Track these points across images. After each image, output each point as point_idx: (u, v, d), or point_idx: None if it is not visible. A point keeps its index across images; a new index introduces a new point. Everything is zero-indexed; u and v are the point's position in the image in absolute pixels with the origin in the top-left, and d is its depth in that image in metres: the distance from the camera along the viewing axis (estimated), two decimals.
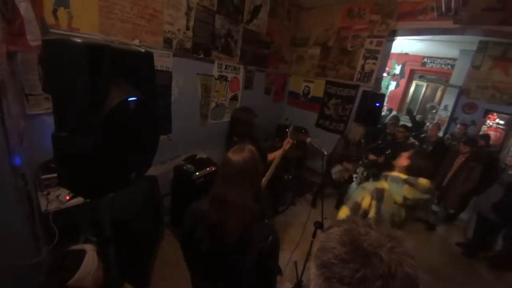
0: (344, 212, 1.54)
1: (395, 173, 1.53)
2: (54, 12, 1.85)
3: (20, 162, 1.44)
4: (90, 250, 1.15)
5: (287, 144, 2.11)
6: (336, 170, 3.47)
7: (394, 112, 7.50)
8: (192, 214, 1.10)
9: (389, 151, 3.49)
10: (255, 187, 1.01)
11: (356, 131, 3.50)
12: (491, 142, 4.60)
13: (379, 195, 1.47)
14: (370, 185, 1.56)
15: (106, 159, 0.94)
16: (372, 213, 1.45)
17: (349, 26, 3.93)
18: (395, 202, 1.47)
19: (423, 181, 1.43)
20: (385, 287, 0.40)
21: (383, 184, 1.51)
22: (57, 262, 1.11)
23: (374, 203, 1.46)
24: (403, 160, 1.55)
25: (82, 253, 1.12)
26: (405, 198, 1.44)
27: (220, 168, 1.06)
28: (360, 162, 3.67)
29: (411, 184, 1.44)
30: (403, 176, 1.47)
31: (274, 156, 2.15)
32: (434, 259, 3.04)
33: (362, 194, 1.51)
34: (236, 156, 1.00)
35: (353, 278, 0.41)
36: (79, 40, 0.81)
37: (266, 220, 1.05)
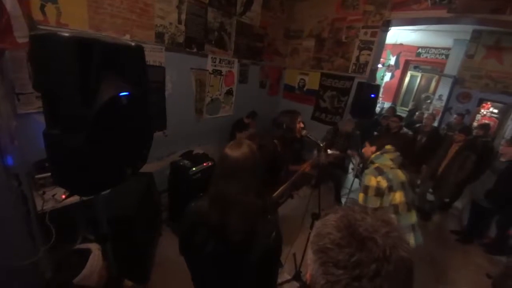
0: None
1: (372, 155, 1.95)
2: (42, 8, 1.81)
3: (13, 162, 1.42)
4: (95, 250, 1.17)
5: (307, 167, 2.17)
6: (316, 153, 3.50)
7: (385, 103, 7.58)
8: (192, 215, 1.06)
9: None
10: (256, 183, 0.97)
11: (346, 123, 3.57)
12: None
13: (382, 171, 1.80)
14: (368, 170, 1.87)
15: (99, 156, 0.93)
16: (384, 184, 1.75)
17: (343, 17, 3.90)
18: (390, 168, 1.83)
19: (388, 147, 1.93)
20: (380, 270, 0.41)
21: (374, 164, 1.89)
22: (64, 260, 1.12)
23: (380, 177, 1.77)
24: (369, 149, 2.01)
25: (88, 252, 1.14)
26: (392, 160, 1.85)
27: (218, 165, 1.01)
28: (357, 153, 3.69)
29: (387, 151, 1.90)
30: (378, 152, 1.93)
31: (295, 169, 2.15)
32: (430, 247, 3.09)
33: (366, 178, 1.81)
34: (234, 151, 0.95)
35: (348, 262, 0.42)
36: (67, 34, 0.79)
37: (269, 216, 1.02)
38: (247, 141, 1.02)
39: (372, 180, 1.77)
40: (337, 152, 3.54)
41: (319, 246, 0.47)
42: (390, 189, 1.75)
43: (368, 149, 2.02)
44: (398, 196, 1.76)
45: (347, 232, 0.45)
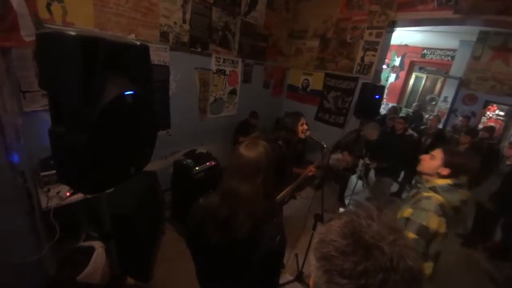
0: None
1: (440, 182, 1.39)
2: (48, 6, 1.83)
3: (18, 159, 1.43)
4: (98, 247, 1.17)
5: (309, 171, 2.13)
6: (335, 157, 3.46)
7: (389, 105, 7.47)
8: (200, 210, 1.07)
9: (385, 164, 3.60)
10: (267, 184, 0.98)
11: (371, 132, 3.46)
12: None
13: (445, 211, 1.34)
14: (428, 204, 1.35)
15: (104, 154, 0.93)
16: (443, 229, 1.32)
17: (348, 17, 3.88)
18: (453, 208, 1.38)
19: (464, 178, 1.38)
20: (387, 280, 0.39)
21: (437, 197, 1.36)
22: (67, 258, 1.13)
23: (443, 219, 1.31)
24: (436, 166, 1.41)
25: (91, 250, 1.14)
26: (462, 201, 1.36)
27: (231, 163, 1.02)
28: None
29: (461, 186, 1.36)
30: (451, 182, 1.37)
31: (299, 173, 2.15)
32: None
33: (427, 216, 1.33)
34: (250, 152, 0.96)
35: (354, 271, 0.40)
36: (73, 33, 0.79)
37: (274, 220, 1.03)
38: (263, 142, 1.02)
39: (434, 220, 1.29)
40: (355, 159, 3.53)
41: (322, 253, 0.45)
42: (444, 238, 1.34)
43: (434, 165, 1.43)
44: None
45: (352, 239, 0.43)
